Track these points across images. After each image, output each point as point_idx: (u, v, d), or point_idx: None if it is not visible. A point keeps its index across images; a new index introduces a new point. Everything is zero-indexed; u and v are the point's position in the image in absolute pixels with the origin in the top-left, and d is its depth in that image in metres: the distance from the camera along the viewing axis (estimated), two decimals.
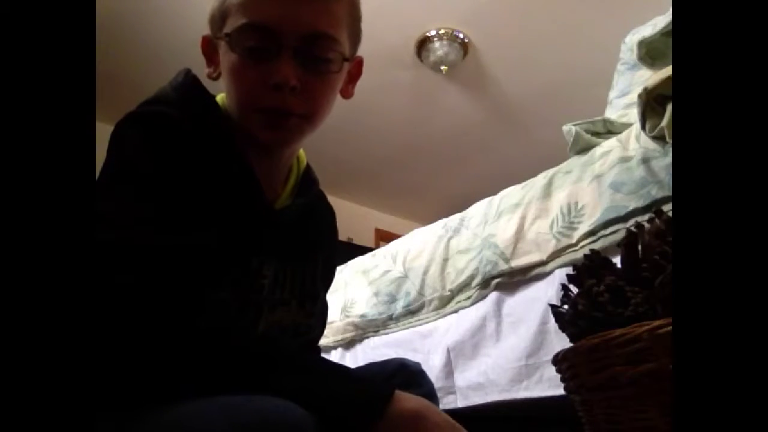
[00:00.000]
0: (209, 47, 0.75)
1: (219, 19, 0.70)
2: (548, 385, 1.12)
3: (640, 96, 1.07)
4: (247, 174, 0.70)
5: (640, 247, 0.66)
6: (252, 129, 0.70)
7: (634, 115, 1.25)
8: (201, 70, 0.75)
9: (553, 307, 0.73)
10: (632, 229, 0.68)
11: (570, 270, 0.75)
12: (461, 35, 2.74)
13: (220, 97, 0.75)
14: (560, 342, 0.92)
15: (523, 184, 1.39)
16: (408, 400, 0.56)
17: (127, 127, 0.64)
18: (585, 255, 0.71)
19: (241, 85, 0.69)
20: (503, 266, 1.26)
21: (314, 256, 0.82)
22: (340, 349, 1.67)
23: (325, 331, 1.69)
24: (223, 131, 0.70)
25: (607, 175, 1.13)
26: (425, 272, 1.47)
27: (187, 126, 0.66)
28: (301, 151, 0.84)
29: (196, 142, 0.66)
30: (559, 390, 0.72)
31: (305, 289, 0.78)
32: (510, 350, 1.20)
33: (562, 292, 0.72)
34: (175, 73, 0.74)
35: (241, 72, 0.68)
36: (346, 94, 0.79)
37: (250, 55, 0.67)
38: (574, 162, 1.29)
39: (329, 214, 0.91)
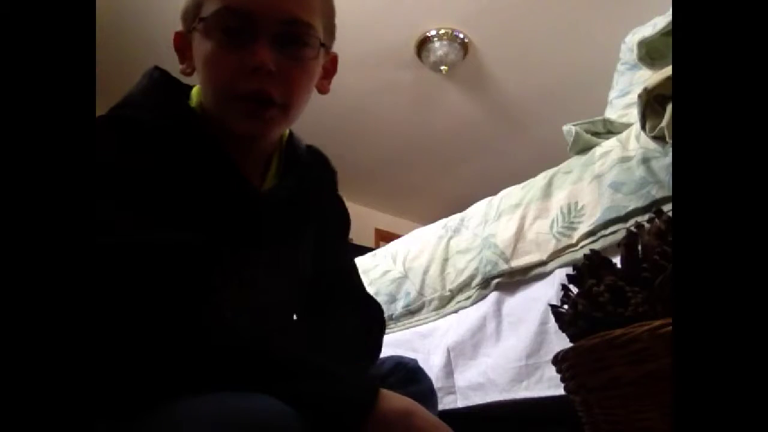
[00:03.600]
0: (182, 43, 0.74)
1: (193, 9, 0.70)
2: (548, 385, 1.12)
3: (640, 96, 1.07)
4: (226, 163, 0.69)
5: (640, 247, 0.66)
6: (229, 119, 0.69)
7: (634, 115, 1.25)
8: None
9: (553, 307, 0.73)
10: (632, 229, 0.68)
11: (570, 270, 0.74)
12: (461, 35, 2.73)
13: (196, 89, 0.74)
14: (560, 342, 0.92)
15: (523, 184, 1.39)
16: (396, 399, 0.56)
17: (99, 130, 0.63)
18: (585, 255, 0.71)
19: (218, 72, 0.68)
20: (503, 266, 1.26)
21: (305, 232, 0.81)
22: None
23: None
24: (196, 124, 0.70)
25: (607, 175, 1.13)
26: (425, 272, 1.47)
27: (160, 124, 0.66)
28: None
29: (170, 139, 0.66)
30: (559, 390, 0.71)
31: (297, 270, 0.78)
32: (510, 350, 1.20)
33: (562, 292, 0.72)
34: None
35: (217, 58, 0.67)
36: (323, 89, 0.79)
37: (227, 40, 0.67)
38: (574, 162, 1.29)
39: (327, 173, 0.88)
